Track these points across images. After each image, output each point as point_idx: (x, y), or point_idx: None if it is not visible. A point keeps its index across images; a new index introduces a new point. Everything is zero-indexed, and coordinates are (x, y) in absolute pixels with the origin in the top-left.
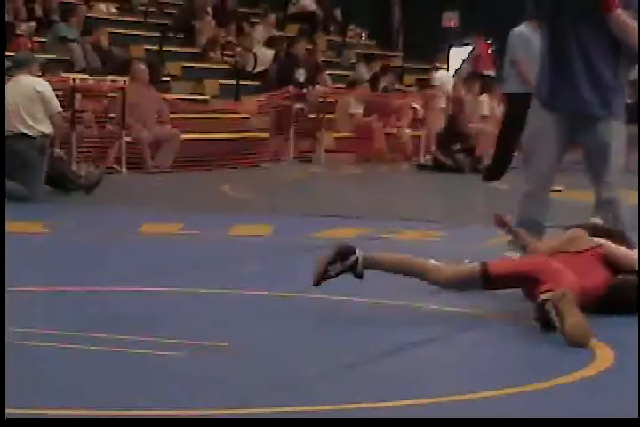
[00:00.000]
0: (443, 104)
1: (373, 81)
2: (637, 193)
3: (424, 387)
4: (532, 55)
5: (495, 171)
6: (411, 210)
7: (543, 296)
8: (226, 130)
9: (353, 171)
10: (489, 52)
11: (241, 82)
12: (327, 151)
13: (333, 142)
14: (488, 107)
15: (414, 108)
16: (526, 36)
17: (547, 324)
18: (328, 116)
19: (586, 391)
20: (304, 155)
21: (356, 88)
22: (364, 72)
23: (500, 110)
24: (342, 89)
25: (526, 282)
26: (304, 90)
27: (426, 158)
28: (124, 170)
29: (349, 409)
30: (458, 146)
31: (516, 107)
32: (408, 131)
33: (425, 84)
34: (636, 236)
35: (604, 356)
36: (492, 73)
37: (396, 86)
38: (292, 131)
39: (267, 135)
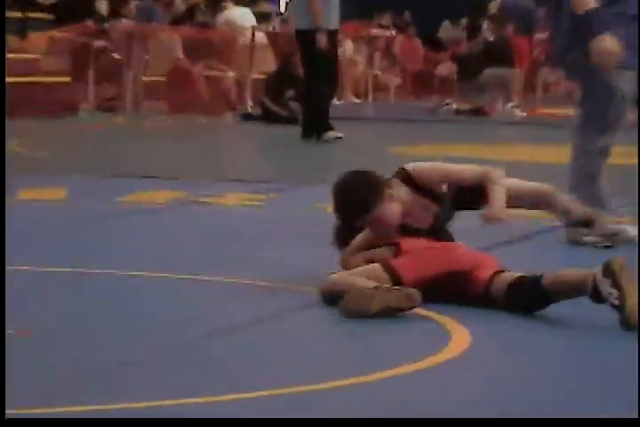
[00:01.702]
0: (264, 40)
1: (190, 13)
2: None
3: (247, 377)
4: None
5: (313, 123)
6: (233, 169)
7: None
8: (9, 73)
9: (166, 122)
10: None
11: (28, 15)
12: (135, 99)
13: (142, 88)
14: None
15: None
16: None
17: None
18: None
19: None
20: (107, 103)
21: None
22: (181, 4)
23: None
24: (156, 24)
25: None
26: (106, 24)
27: (253, 107)
28: None
29: (150, 407)
30: (291, 93)
31: (308, 44)
32: (232, 75)
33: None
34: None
35: (461, 338)
36: None
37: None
38: (91, 74)
39: (61, 79)
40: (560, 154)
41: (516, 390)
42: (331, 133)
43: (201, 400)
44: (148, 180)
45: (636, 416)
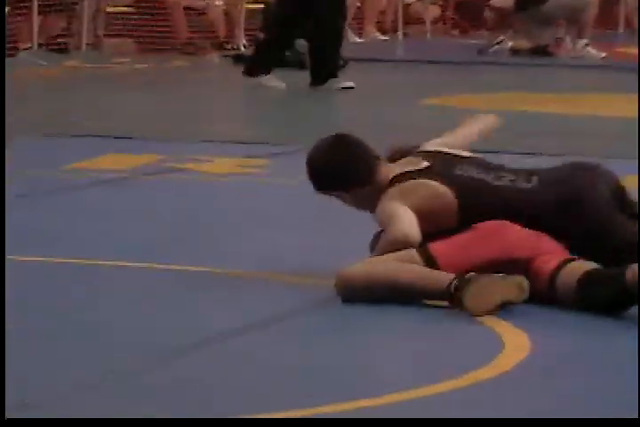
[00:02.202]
0: None
1: None
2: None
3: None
4: None
5: (260, 60)
6: (220, 127)
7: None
8: None
9: (134, 65)
10: None
11: None
12: (94, 36)
13: (103, 21)
14: None
15: None
16: None
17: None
18: None
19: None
20: (55, 40)
21: None
22: None
23: None
24: None
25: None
26: None
27: (247, 46)
28: None
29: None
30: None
31: None
32: (219, 3)
33: None
34: None
35: (516, 347)
36: None
37: None
38: (35, 3)
39: None
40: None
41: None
42: (335, 81)
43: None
44: (107, 140)
45: (635, 416)
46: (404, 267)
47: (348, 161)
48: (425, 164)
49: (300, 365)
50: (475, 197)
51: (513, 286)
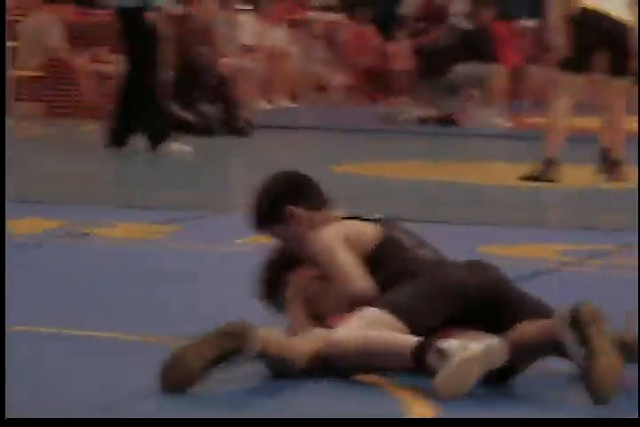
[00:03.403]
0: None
1: None
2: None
3: None
4: None
5: (122, 129)
6: (130, 192)
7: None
8: None
9: (42, 130)
10: None
11: None
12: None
13: (14, 85)
14: (253, 31)
15: None
16: None
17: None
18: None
19: None
20: None
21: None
22: None
23: (274, 37)
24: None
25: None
26: None
27: None
28: None
29: None
30: (199, 94)
31: (133, 24)
32: None
33: None
34: None
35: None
36: None
37: None
38: None
39: None
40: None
41: None
42: (174, 145)
43: None
44: (12, 204)
45: (635, 416)
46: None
47: (306, 177)
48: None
49: None
50: (388, 249)
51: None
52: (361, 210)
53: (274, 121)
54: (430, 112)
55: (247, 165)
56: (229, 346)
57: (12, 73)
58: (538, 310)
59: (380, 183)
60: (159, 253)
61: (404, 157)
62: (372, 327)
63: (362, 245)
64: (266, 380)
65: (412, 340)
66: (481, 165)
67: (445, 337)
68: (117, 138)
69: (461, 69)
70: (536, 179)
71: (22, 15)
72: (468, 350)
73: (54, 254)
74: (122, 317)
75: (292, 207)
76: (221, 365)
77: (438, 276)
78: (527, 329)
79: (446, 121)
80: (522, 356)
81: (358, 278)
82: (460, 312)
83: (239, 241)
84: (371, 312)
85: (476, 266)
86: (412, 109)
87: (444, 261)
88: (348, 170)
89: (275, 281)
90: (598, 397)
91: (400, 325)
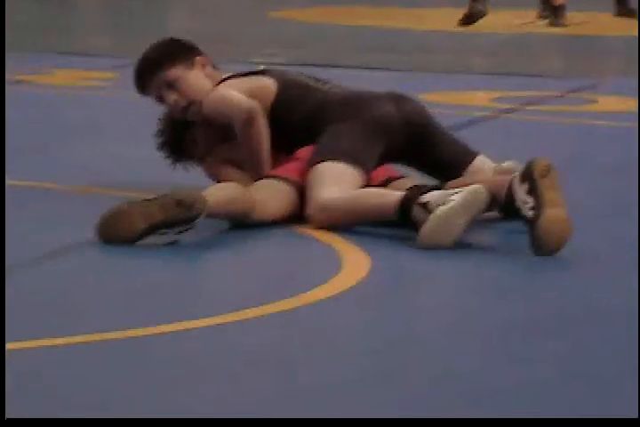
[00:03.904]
0: None
1: None
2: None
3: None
4: None
5: None
6: (67, 37)
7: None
8: None
9: None
10: None
11: None
12: None
13: None
14: None
15: None
16: None
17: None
18: None
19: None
20: None
21: None
22: None
23: None
24: None
25: None
26: None
27: None
28: None
29: None
30: None
31: None
32: None
33: None
34: None
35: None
36: None
37: None
38: None
39: None
40: (500, 20)
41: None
42: None
43: None
44: None
45: (635, 416)
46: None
47: (170, 41)
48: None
49: (132, 284)
50: (293, 90)
51: (167, 205)
52: (297, 56)
53: None
54: None
55: (182, 12)
56: (180, 216)
57: None
58: (457, 145)
59: (316, 29)
60: (98, 101)
61: (345, 2)
62: (340, 182)
63: (266, 95)
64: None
65: (396, 196)
66: (425, 11)
67: (386, 177)
68: None
69: None
70: (469, 18)
71: None
72: (450, 201)
73: None
74: (45, 167)
75: (201, 57)
76: (162, 231)
77: (366, 111)
78: (479, 180)
79: None
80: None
81: (241, 99)
82: (386, 147)
83: None
84: (330, 166)
85: (398, 98)
86: None
87: (360, 93)
88: (285, 15)
89: (178, 140)
90: (542, 247)
91: (360, 173)
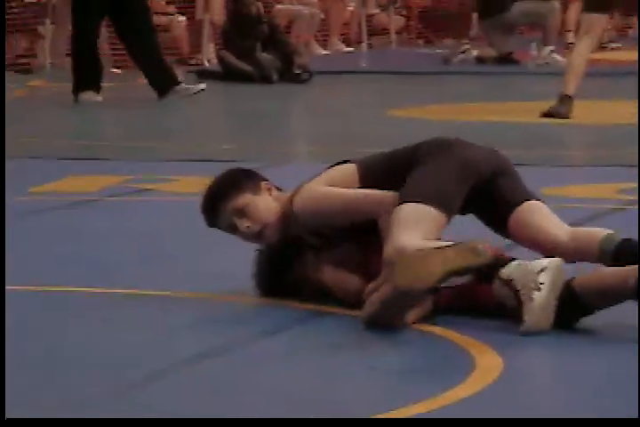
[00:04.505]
0: None
1: None
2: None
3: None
4: None
5: (82, 78)
6: (189, 144)
7: None
8: None
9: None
10: None
11: None
12: (55, 54)
13: (65, 41)
14: None
15: None
16: None
17: None
18: None
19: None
20: (19, 61)
21: None
22: None
23: None
24: None
25: None
26: None
27: (210, 60)
28: None
29: None
30: (253, 42)
31: None
32: (182, 19)
33: None
34: None
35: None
36: None
37: None
38: None
39: None
40: (618, 111)
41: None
42: (181, 89)
43: None
44: (73, 162)
45: (636, 416)
46: None
47: (232, 172)
48: None
49: (268, 388)
50: (377, 159)
51: (463, 252)
52: None
53: (331, 66)
54: (488, 51)
55: (305, 113)
56: (474, 263)
57: (65, 28)
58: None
59: (438, 126)
60: None
61: (463, 98)
62: (421, 227)
63: (349, 179)
64: None
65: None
66: (542, 104)
67: None
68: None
69: (519, 7)
70: (551, 115)
71: None
72: (541, 284)
73: (115, 211)
74: (176, 274)
75: (265, 182)
76: (453, 277)
77: (459, 151)
78: (607, 272)
79: (506, 60)
80: (598, 298)
81: (377, 194)
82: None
83: None
84: (413, 209)
85: (488, 149)
86: (471, 49)
87: (448, 139)
88: (406, 114)
89: (281, 271)
90: None
91: (441, 215)
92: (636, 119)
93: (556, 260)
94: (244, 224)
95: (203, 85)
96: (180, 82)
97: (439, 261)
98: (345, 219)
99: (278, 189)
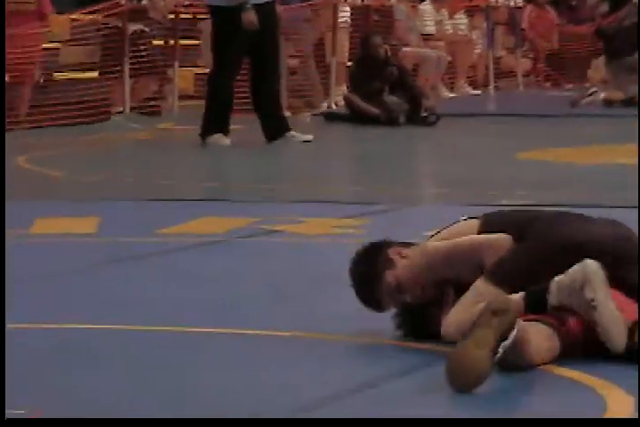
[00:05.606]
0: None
1: None
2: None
3: None
4: None
5: (212, 120)
6: (316, 186)
7: None
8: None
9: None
10: None
11: None
12: (183, 97)
13: (193, 84)
14: (433, 20)
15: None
16: None
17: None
18: (184, 42)
19: None
20: (147, 103)
21: None
22: None
23: (454, 26)
24: None
25: None
26: (144, 1)
27: (338, 103)
28: None
29: None
30: (380, 84)
31: (221, 23)
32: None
33: None
34: None
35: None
36: None
37: None
38: (126, 67)
39: (86, 75)
40: None
41: None
42: (292, 135)
43: None
44: (201, 204)
45: (636, 416)
46: None
47: (367, 249)
48: None
49: None
50: (494, 216)
51: (487, 322)
52: (548, 197)
53: (458, 109)
54: (616, 94)
55: (432, 155)
56: (505, 323)
57: (193, 71)
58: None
59: (566, 169)
60: (344, 248)
61: (590, 141)
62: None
63: (467, 232)
64: None
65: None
66: None
67: None
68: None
69: None
70: None
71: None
72: (594, 301)
73: (245, 252)
74: (301, 315)
75: (392, 249)
76: (504, 345)
77: (563, 236)
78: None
79: (632, 103)
80: None
81: (490, 239)
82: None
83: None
84: (479, 287)
85: (609, 222)
86: (598, 92)
87: (566, 217)
88: (534, 156)
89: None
90: None
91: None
92: None
93: (587, 264)
94: (406, 298)
95: (310, 136)
96: (291, 129)
97: (475, 348)
98: (463, 264)
99: (404, 244)
